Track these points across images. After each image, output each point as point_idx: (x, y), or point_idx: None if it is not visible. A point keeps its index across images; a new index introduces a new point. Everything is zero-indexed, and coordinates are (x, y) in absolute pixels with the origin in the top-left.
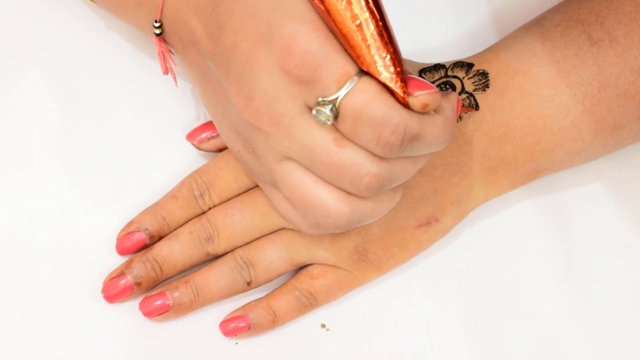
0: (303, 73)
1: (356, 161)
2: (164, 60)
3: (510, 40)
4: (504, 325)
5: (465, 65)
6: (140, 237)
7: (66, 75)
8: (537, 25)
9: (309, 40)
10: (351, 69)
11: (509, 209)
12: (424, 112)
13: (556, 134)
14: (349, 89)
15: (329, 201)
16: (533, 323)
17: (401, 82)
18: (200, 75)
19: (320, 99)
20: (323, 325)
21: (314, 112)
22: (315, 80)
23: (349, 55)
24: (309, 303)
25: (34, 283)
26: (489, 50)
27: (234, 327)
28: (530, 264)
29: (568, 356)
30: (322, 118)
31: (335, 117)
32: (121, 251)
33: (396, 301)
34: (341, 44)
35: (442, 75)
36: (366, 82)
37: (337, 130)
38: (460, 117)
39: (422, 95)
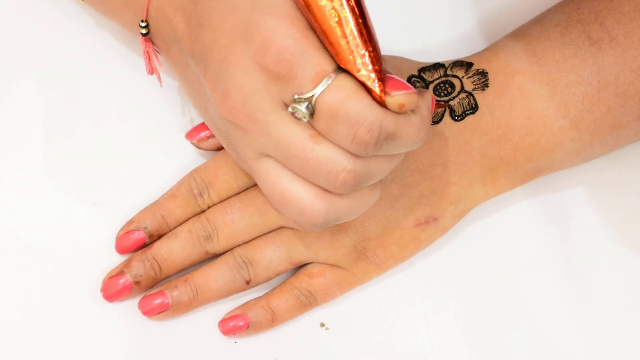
0: (279, 70)
1: (332, 158)
2: (149, 61)
3: (510, 39)
4: (503, 325)
5: (464, 65)
6: (140, 235)
7: (66, 76)
8: (537, 25)
9: (286, 36)
10: (328, 66)
11: (509, 208)
12: (400, 112)
13: (556, 134)
14: (325, 87)
15: (305, 199)
16: (533, 323)
17: (379, 80)
18: (183, 74)
19: (296, 96)
20: (322, 325)
21: (289, 109)
22: (291, 77)
23: (327, 52)
24: (308, 302)
25: (33, 282)
26: (488, 49)
27: (233, 325)
28: (530, 263)
29: (568, 356)
30: (298, 115)
31: (312, 114)
32: (120, 250)
33: (395, 300)
34: (320, 41)
35: (442, 75)
36: (343, 80)
37: (313, 127)
38: (462, 116)
39: (400, 95)
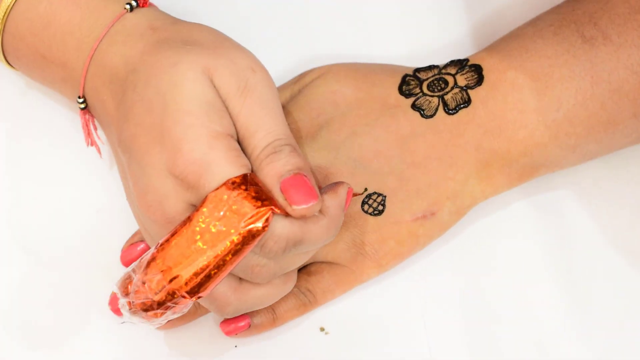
0: (188, 179)
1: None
2: (88, 134)
3: (504, 40)
4: (501, 327)
5: (458, 63)
6: (145, 247)
7: None
8: (531, 26)
9: (194, 148)
10: (234, 178)
11: (508, 210)
12: (304, 219)
13: (549, 127)
14: None
15: (219, 289)
16: (530, 324)
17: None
18: (114, 152)
19: None
20: (322, 329)
21: None
22: (199, 187)
23: (234, 162)
24: (308, 301)
25: (36, 289)
26: (482, 50)
27: (234, 326)
28: (529, 265)
29: (567, 355)
30: None
31: None
32: (126, 263)
33: (395, 304)
34: (228, 149)
35: (436, 73)
36: None
37: None
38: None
39: (299, 209)
